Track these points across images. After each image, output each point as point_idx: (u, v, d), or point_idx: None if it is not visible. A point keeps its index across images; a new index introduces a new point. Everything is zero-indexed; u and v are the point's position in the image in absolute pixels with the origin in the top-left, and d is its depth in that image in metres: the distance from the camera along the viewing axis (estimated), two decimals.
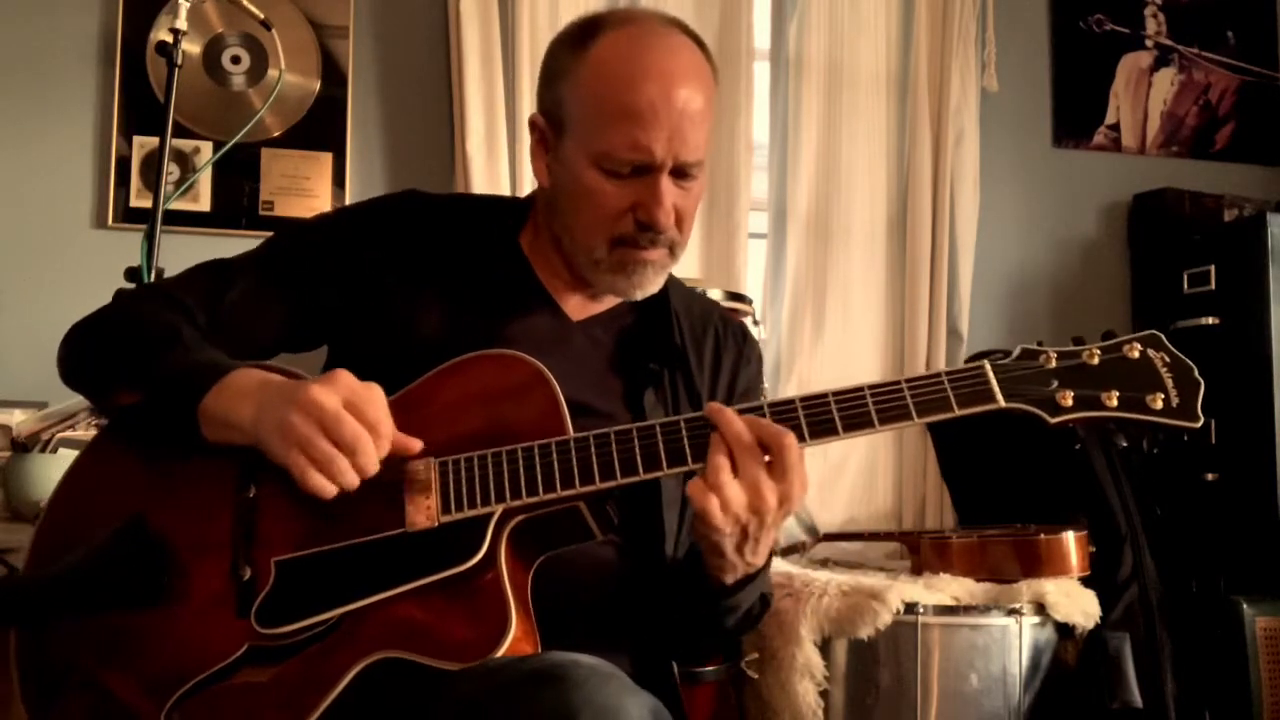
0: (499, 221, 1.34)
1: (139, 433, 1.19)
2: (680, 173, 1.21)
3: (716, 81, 1.26)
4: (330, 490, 1.05)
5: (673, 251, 1.25)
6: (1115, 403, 1.09)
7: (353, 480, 1.06)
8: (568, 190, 1.25)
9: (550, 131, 1.26)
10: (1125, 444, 2.67)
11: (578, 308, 1.33)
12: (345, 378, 1.08)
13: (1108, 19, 3.44)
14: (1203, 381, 1.10)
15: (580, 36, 1.23)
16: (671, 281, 1.38)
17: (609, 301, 1.34)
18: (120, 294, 1.31)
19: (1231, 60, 3.54)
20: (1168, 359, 1.11)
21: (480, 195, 1.44)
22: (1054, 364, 1.11)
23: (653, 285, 1.28)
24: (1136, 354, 1.11)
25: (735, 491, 1.04)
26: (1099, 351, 1.11)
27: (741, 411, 1.09)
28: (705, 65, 1.24)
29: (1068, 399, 1.10)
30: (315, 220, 1.36)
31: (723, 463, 1.05)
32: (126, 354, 1.19)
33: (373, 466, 1.06)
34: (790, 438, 1.06)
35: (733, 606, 1.19)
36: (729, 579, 1.15)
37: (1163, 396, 1.09)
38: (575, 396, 1.14)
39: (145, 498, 1.15)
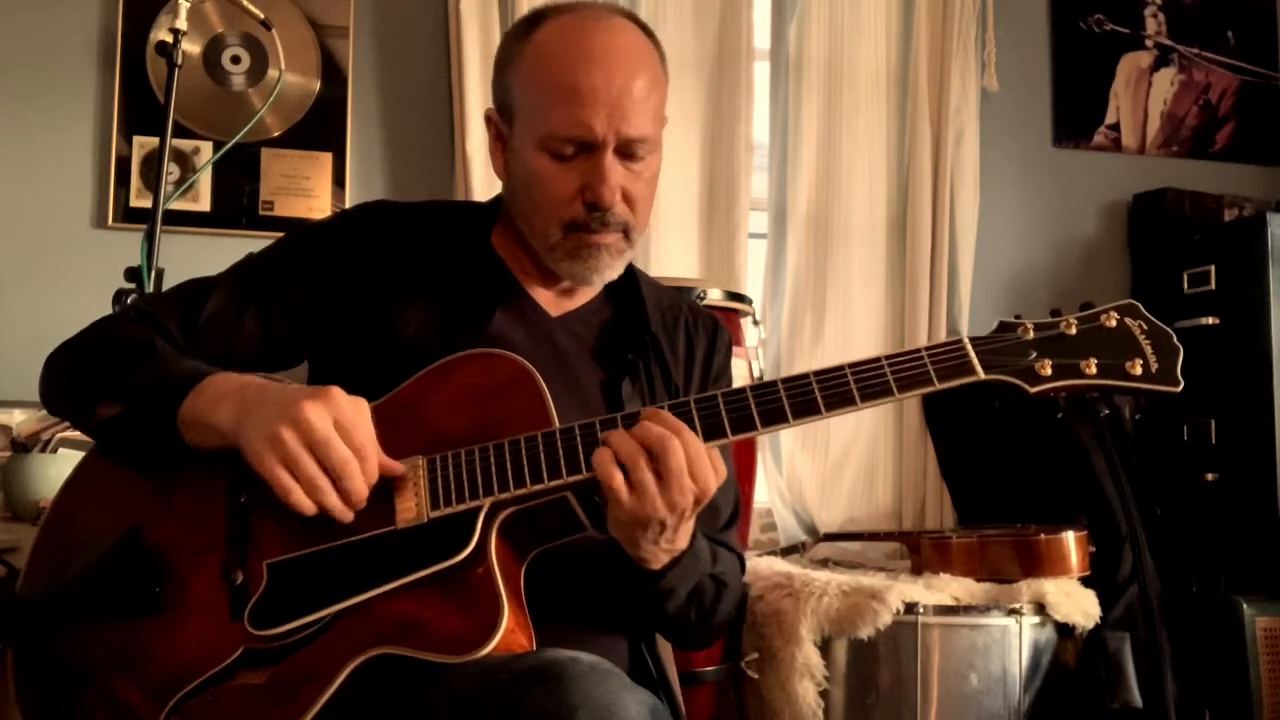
0: (470, 224, 1.36)
1: (125, 447, 1.19)
2: (626, 153, 1.22)
3: (665, 70, 1.28)
4: (311, 509, 1.06)
5: (628, 236, 1.26)
6: (1094, 370, 1.11)
7: (334, 503, 1.06)
8: (521, 178, 1.27)
9: (503, 123, 1.29)
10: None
11: (554, 304, 1.34)
12: (337, 395, 1.08)
13: (1108, 19, 3.44)
14: (1182, 347, 1.12)
15: (525, 26, 1.26)
16: (640, 276, 1.40)
17: (584, 296, 1.36)
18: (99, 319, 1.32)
19: (1231, 60, 3.54)
20: (1146, 326, 1.13)
21: (448, 201, 1.48)
22: (1031, 335, 1.12)
23: (610, 270, 1.29)
24: (1114, 323, 1.13)
25: (653, 487, 1.05)
26: (1076, 321, 1.13)
27: (699, 401, 1.10)
28: (650, 50, 1.26)
29: (1046, 368, 1.11)
30: (289, 237, 1.37)
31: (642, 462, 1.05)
32: (103, 370, 1.19)
33: (359, 492, 1.06)
34: (675, 441, 1.05)
35: (666, 590, 1.18)
36: (654, 566, 1.15)
37: (1141, 362, 1.11)
38: (559, 392, 1.15)
39: (141, 509, 1.15)
